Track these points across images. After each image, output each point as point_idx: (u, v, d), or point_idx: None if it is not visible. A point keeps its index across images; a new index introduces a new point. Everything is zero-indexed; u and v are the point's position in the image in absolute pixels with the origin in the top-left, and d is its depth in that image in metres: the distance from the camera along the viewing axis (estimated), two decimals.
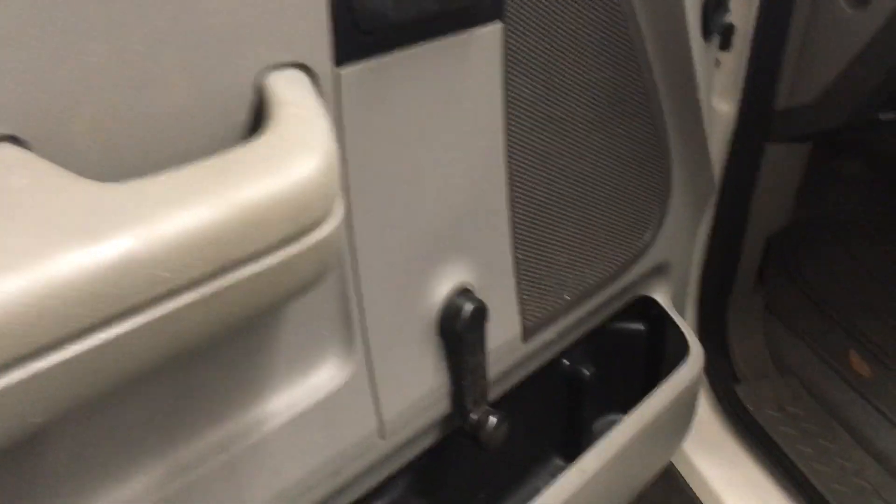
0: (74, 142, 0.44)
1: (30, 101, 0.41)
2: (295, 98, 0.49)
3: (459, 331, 0.69)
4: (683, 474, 1.12)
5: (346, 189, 0.59)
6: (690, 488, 1.10)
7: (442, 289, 0.69)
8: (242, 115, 0.51)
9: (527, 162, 0.74)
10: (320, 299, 0.60)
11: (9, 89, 0.40)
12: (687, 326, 1.01)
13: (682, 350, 1.00)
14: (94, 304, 0.36)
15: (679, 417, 0.99)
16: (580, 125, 0.78)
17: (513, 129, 0.71)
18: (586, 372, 0.96)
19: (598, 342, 0.98)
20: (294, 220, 0.44)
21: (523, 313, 0.78)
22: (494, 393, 0.82)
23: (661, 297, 1.02)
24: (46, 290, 0.35)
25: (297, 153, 0.45)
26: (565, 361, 0.97)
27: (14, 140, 0.41)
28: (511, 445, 0.92)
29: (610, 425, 1.04)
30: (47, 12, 0.40)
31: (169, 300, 0.39)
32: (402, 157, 0.62)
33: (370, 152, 0.59)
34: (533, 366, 0.86)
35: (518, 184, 0.73)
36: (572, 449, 1.00)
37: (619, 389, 1.05)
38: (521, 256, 0.76)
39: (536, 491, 0.95)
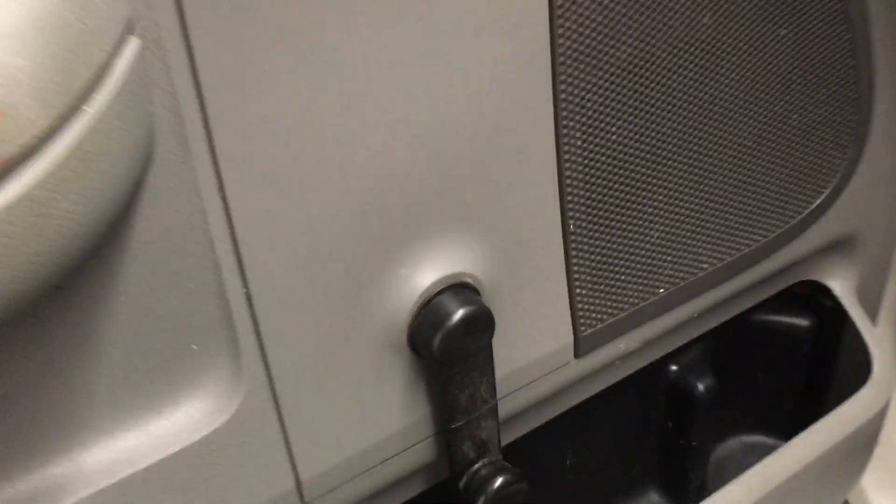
0: None
1: None
2: None
3: (440, 350, 0.43)
4: None
5: (201, 103, 0.34)
6: None
7: (415, 282, 0.43)
8: None
9: (604, 61, 0.44)
10: (173, 296, 0.37)
11: None
12: (873, 330, 0.67)
13: (864, 363, 0.67)
14: None
15: (853, 455, 0.67)
16: (722, 18, 0.47)
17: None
18: (700, 387, 0.67)
19: (729, 338, 0.68)
20: None
21: (578, 315, 0.50)
22: (544, 416, 0.56)
23: (840, 284, 0.69)
24: None
25: None
26: (672, 367, 0.67)
27: None
28: (582, 475, 0.67)
29: (739, 451, 0.75)
30: None
31: None
32: (328, 41, 0.36)
33: (256, 35, 0.34)
34: (600, 385, 0.58)
35: (578, 96, 0.44)
36: (677, 480, 0.72)
37: (758, 405, 0.74)
38: (579, 229, 0.48)
39: None
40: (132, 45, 0.30)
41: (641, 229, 0.51)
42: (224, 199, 0.35)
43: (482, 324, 0.43)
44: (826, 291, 0.69)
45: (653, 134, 0.48)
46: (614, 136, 0.47)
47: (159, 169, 0.33)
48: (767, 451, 0.67)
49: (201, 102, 0.33)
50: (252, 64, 0.34)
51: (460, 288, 0.44)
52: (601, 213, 0.48)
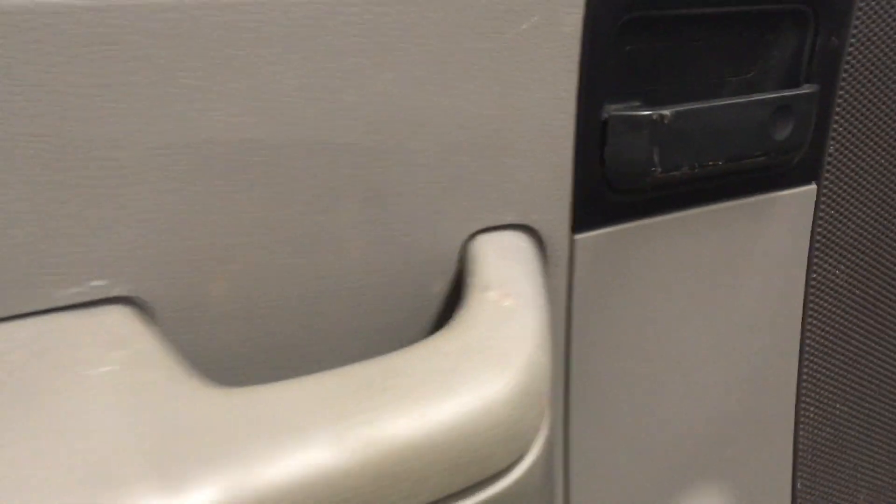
0: (208, 306, 0.34)
1: (159, 254, 0.32)
2: (502, 277, 0.36)
3: None
4: None
5: (566, 386, 0.44)
6: None
7: None
8: (436, 286, 0.38)
9: (832, 366, 0.54)
10: None
11: (134, 239, 0.31)
12: None
13: None
14: None
15: None
16: None
17: (814, 324, 0.52)
18: None
19: None
20: (465, 469, 0.31)
21: None
22: None
23: None
24: None
25: (479, 369, 0.32)
26: None
27: (129, 302, 0.32)
28: None
29: None
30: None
31: None
32: (650, 348, 0.46)
33: (606, 342, 0.45)
34: None
35: (814, 392, 0.54)
36: None
37: None
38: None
39: None
40: None
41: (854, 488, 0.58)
42: (566, 468, 0.45)
43: None
44: None
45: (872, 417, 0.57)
46: (852, 438, 0.55)
47: None
48: None
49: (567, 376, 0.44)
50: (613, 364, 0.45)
51: None
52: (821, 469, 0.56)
